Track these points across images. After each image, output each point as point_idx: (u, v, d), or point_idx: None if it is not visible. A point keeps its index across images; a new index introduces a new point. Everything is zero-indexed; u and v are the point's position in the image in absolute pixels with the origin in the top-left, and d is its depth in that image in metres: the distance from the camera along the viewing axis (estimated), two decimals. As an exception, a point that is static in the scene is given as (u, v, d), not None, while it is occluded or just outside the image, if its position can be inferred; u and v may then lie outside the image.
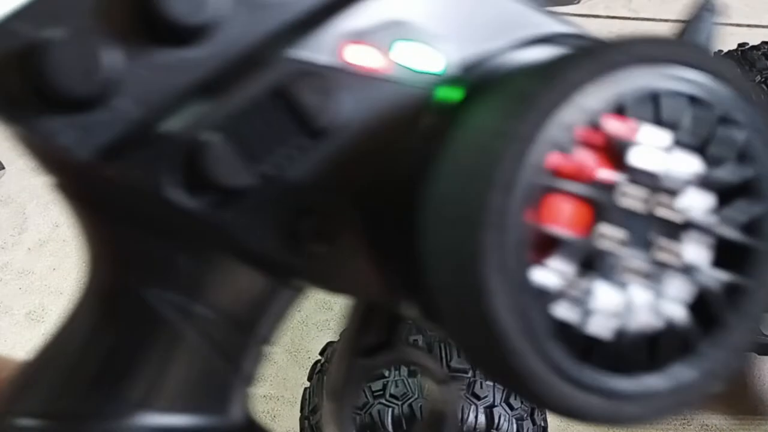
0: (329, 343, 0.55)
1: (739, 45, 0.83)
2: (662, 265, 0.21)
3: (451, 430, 0.28)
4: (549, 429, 0.53)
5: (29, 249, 0.91)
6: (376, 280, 0.24)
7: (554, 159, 0.20)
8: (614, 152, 0.21)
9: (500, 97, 0.21)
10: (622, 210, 0.21)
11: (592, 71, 0.20)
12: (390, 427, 0.47)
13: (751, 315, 0.22)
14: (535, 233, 0.19)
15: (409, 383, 0.49)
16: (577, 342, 0.20)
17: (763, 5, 1.31)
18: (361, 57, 0.23)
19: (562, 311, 0.20)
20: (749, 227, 0.22)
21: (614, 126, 0.21)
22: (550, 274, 0.20)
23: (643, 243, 0.21)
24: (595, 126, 0.20)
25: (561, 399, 0.20)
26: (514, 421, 0.48)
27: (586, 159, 0.20)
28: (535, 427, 0.50)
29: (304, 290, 0.29)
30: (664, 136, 0.21)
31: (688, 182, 0.21)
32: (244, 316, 0.27)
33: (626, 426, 0.21)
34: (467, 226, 0.19)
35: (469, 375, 0.49)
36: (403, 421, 0.47)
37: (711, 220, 0.22)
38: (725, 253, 0.22)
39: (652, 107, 0.22)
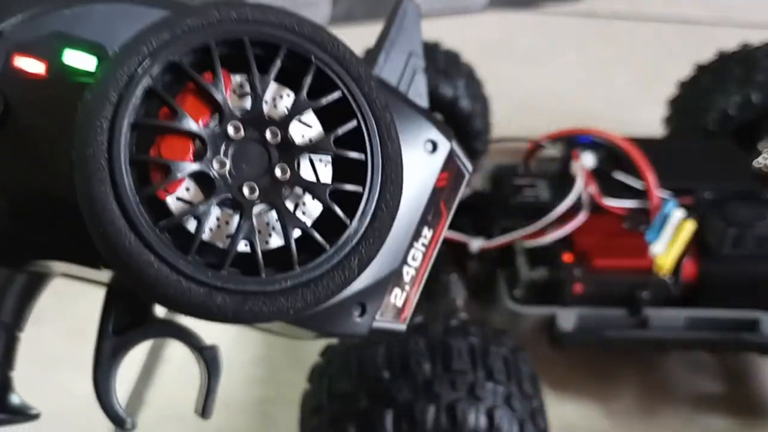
0: (329, 345, 0.54)
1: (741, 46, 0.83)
2: (280, 186, 0.26)
3: (214, 386, 0.33)
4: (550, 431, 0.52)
5: None
6: (72, 245, 0.28)
7: (152, 103, 0.25)
8: (209, 95, 0.25)
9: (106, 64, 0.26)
10: (230, 141, 0.26)
11: (166, 33, 0.25)
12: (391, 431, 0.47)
13: (373, 225, 0.26)
14: (152, 165, 0.25)
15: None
16: (193, 248, 0.25)
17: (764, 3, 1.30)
18: (29, 64, 0.27)
19: (186, 224, 0.25)
20: (362, 147, 0.26)
21: (203, 76, 0.25)
22: (170, 197, 0.26)
23: (260, 169, 0.25)
24: (185, 75, 0.25)
25: (173, 289, 0.24)
26: (515, 423, 0.48)
27: (187, 102, 0.25)
28: (537, 429, 0.50)
29: (49, 275, 0.32)
30: (256, 78, 0.26)
31: (289, 112, 0.26)
32: None
33: (220, 320, 0.25)
34: (87, 162, 0.24)
35: (470, 376, 0.48)
36: (404, 425, 0.47)
37: (318, 142, 0.26)
38: (342, 175, 0.27)
39: (234, 55, 0.26)
